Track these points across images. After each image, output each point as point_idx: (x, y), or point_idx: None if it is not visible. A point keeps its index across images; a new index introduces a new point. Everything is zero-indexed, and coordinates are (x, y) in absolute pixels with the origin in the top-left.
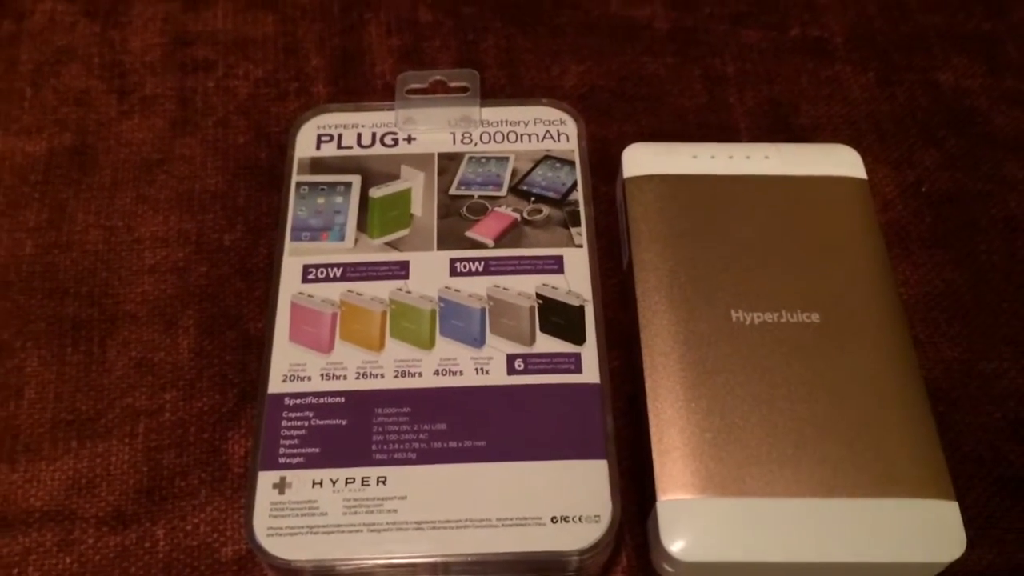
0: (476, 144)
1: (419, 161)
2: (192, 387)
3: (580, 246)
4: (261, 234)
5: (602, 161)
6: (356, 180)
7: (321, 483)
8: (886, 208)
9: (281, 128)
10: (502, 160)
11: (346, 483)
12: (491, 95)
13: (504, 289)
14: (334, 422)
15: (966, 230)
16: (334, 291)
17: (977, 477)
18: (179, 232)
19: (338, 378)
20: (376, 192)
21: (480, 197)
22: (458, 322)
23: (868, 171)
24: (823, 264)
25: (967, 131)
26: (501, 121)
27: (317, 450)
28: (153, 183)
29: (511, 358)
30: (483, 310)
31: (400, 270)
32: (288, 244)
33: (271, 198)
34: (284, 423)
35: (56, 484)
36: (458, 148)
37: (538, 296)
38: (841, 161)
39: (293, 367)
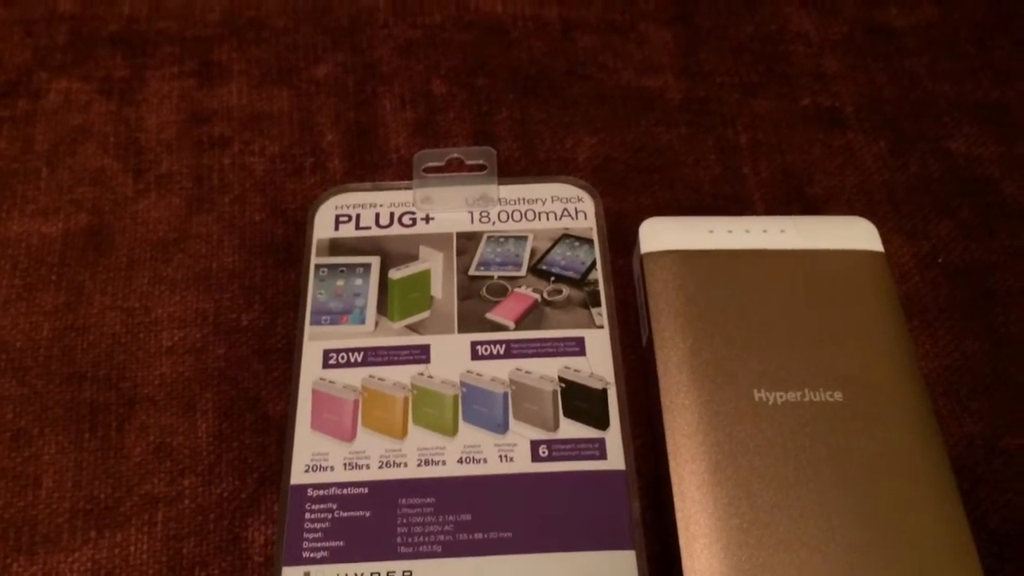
0: (494, 223)
1: (438, 241)
2: (211, 472)
3: (601, 327)
4: (279, 313)
5: (617, 233)
6: (375, 261)
7: None
8: (903, 279)
9: (297, 204)
10: (521, 239)
11: None
12: (506, 167)
13: (526, 373)
14: (358, 514)
15: (984, 302)
16: (355, 377)
17: (1004, 557)
18: (196, 312)
19: (361, 467)
20: (396, 274)
21: (499, 278)
22: (481, 407)
23: (883, 242)
24: (844, 340)
25: (981, 200)
26: (519, 199)
27: (342, 543)
28: (170, 263)
29: (535, 444)
30: (506, 395)
31: (421, 354)
32: (308, 328)
33: (288, 276)
34: (307, 515)
35: None
36: (476, 227)
37: (560, 380)
38: (858, 234)
39: (315, 456)
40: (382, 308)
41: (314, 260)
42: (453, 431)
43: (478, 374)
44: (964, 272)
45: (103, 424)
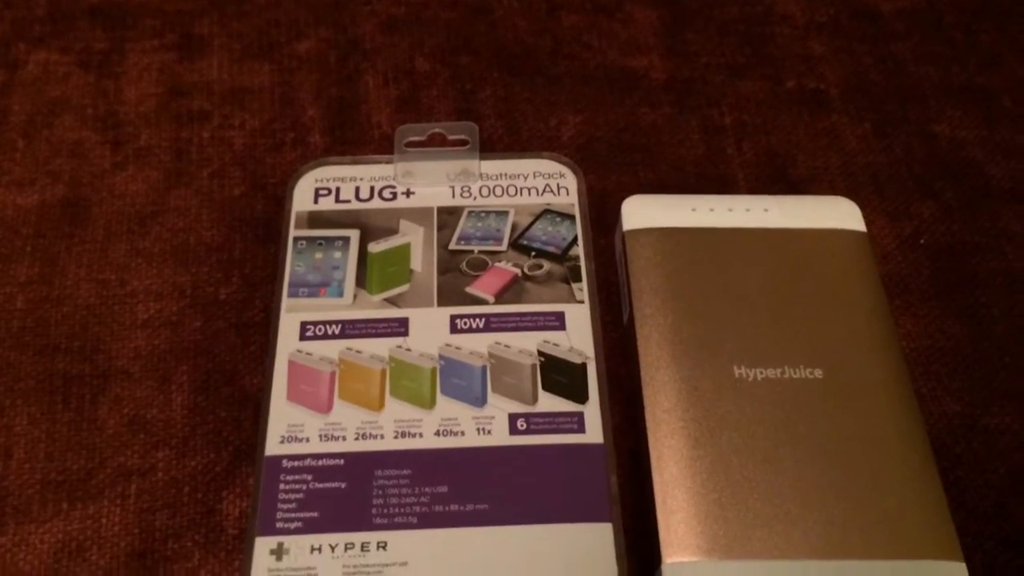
0: (476, 198)
1: (418, 215)
2: (185, 445)
3: (581, 302)
4: (257, 287)
5: (601, 212)
6: (354, 235)
7: (320, 549)
8: (885, 260)
9: (277, 179)
10: (502, 214)
11: (345, 548)
12: (489, 145)
13: (505, 346)
14: (333, 485)
15: (965, 283)
16: (332, 349)
17: (983, 535)
18: (173, 285)
19: (337, 439)
20: (375, 247)
21: (480, 252)
22: (459, 381)
23: (866, 223)
24: (825, 319)
25: (964, 183)
26: (501, 174)
27: (316, 514)
28: (147, 235)
29: (513, 418)
30: (484, 368)
31: (400, 327)
32: (285, 300)
33: (267, 250)
34: (282, 486)
35: (46, 548)
36: (457, 202)
37: (540, 353)
38: (841, 214)
39: (291, 428)
40: (361, 281)
41: (293, 232)
42: (431, 404)
43: (457, 347)
44: (946, 253)
45: (76, 396)
